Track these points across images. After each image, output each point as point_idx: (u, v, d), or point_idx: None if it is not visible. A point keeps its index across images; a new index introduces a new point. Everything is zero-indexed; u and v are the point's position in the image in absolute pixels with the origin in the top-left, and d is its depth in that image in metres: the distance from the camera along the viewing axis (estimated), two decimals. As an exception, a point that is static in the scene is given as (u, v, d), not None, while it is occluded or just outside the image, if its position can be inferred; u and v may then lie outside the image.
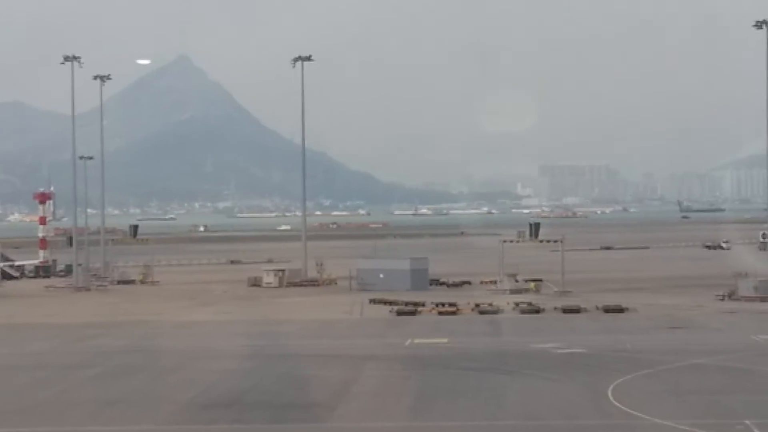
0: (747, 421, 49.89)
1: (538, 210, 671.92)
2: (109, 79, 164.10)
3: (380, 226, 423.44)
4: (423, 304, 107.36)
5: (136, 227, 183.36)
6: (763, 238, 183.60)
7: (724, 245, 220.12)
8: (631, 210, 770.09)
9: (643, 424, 50.61)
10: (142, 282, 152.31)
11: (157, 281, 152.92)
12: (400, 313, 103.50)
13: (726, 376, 63.99)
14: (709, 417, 51.67)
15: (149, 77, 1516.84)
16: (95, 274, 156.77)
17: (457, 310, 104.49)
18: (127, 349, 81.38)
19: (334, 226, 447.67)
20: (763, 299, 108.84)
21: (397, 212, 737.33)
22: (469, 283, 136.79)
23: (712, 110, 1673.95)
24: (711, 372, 65.80)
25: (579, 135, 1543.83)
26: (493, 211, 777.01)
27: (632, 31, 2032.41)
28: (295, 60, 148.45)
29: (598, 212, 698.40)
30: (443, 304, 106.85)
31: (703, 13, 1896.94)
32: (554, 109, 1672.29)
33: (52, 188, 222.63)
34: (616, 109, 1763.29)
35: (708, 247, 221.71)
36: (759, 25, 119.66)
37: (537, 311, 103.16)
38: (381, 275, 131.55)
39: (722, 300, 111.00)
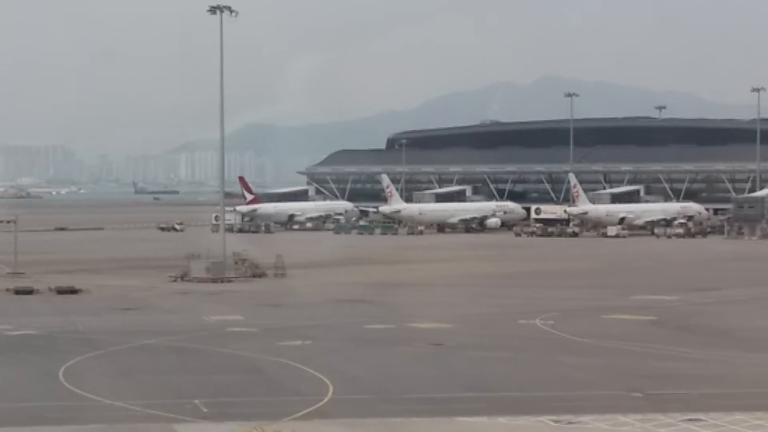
0: (196, 401, 51.00)
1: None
2: None
3: None
4: None
5: None
6: (216, 220, 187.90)
7: (178, 227, 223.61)
8: (82, 191, 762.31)
9: (94, 405, 50.49)
10: None
11: None
12: None
13: (177, 357, 65.11)
14: (161, 397, 52.36)
15: None
16: None
17: None
18: None
19: None
20: (214, 280, 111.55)
21: None
22: None
23: (169, 90, 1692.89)
24: (162, 352, 66.70)
25: (33, 114, 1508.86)
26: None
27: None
28: None
29: (54, 193, 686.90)
30: None
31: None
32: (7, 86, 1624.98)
33: None
34: (67, 86, 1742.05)
35: (162, 228, 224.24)
36: (213, 10, 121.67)
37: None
38: None
39: (175, 281, 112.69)
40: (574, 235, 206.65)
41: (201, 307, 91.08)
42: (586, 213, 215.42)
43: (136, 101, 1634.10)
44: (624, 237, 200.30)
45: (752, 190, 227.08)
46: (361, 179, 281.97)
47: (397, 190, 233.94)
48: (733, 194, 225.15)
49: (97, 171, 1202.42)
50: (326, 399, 51.68)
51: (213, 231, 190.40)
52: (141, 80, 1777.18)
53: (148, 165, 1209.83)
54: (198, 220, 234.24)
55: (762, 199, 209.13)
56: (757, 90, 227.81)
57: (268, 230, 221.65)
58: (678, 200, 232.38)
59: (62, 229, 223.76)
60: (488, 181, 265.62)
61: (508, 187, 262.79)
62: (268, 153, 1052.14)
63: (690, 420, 45.30)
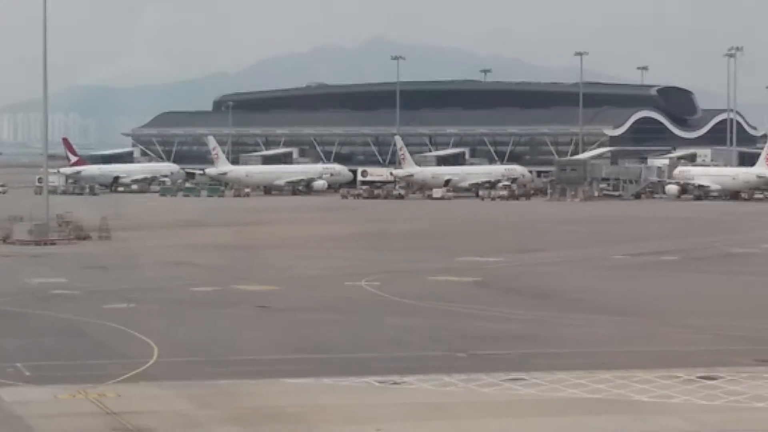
0: (18, 364, 50.11)
1: None
2: None
3: None
4: None
5: None
6: (39, 182, 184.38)
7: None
8: None
9: None
10: None
11: None
12: None
13: (-2, 320, 63.96)
14: (-20, 361, 51.34)
15: None
16: None
17: None
18: None
19: None
20: (37, 243, 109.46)
21: None
22: None
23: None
24: (-17, 316, 65.40)
25: None
26: None
27: None
28: None
29: None
30: None
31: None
32: None
33: None
34: None
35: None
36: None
37: None
38: None
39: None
40: (400, 197, 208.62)
41: (23, 269, 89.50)
42: (412, 175, 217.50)
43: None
44: (449, 199, 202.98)
45: (575, 152, 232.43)
46: (187, 141, 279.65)
47: (223, 152, 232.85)
48: (556, 157, 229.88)
49: None
50: (151, 362, 51.30)
51: (36, 193, 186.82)
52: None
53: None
54: (21, 182, 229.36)
55: (584, 162, 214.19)
56: (580, 54, 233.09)
57: (92, 192, 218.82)
58: (502, 163, 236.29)
59: None
60: (315, 144, 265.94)
61: (334, 149, 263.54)
62: (93, 114, 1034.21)
63: (512, 380, 46.20)
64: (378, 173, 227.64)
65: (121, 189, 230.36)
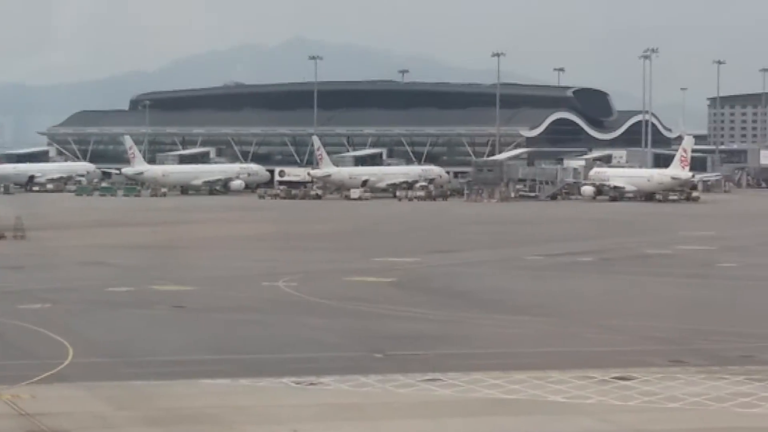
0: None
1: None
2: None
3: None
4: None
5: None
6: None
7: None
8: None
9: None
10: None
11: None
12: None
13: None
14: None
15: None
16: None
17: None
18: None
19: None
20: None
21: None
22: None
23: None
24: None
25: None
26: None
27: None
28: None
29: None
30: None
31: None
32: None
33: None
34: None
35: None
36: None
37: None
38: None
39: None
40: (318, 197, 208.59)
41: None
42: (329, 176, 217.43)
43: None
44: (366, 199, 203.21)
45: (491, 153, 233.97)
46: (103, 140, 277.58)
47: (140, 151, 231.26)
48: (473, 158, 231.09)
49: None
50: (66, 362, 50.79)
51: None
52: None
53: None
54: None
55: (500, 163, 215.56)
56: (498, 55, 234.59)
57: (7, 191, 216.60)
58: (420, 163, 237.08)
59: None
60: (232, 143, 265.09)
61: (252, 149, 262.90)
62: (8, 113, 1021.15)
63: (429, 380, 46.32)
64: (296, 173, 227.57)
65: (36, 188, 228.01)
